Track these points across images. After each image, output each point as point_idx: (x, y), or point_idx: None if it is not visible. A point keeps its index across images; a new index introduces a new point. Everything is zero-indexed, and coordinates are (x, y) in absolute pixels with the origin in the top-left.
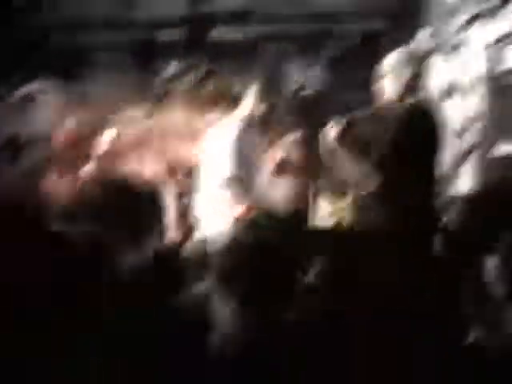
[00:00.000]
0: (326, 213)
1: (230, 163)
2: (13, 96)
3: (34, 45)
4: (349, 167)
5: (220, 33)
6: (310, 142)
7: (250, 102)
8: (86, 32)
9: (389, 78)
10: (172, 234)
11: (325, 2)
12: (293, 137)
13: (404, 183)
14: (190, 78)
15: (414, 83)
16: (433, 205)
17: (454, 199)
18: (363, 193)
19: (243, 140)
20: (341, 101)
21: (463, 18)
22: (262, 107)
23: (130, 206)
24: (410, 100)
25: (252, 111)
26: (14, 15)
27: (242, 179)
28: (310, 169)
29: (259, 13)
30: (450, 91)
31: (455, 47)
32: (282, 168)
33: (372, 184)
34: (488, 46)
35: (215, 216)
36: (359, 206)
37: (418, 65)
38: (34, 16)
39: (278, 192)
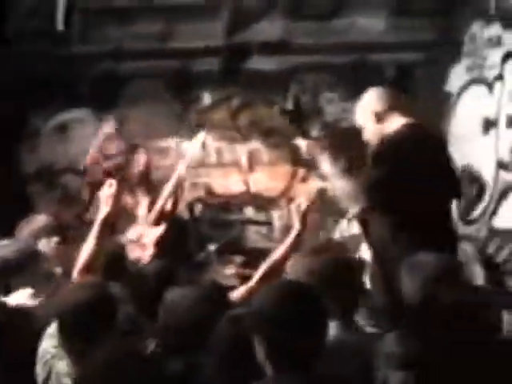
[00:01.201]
0: None
1: None
2: (48, 125)
3: (69, 74)
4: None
5: (255, 63)
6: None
7: None
8: (121, 62)
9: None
10: None
11: (361, 33)
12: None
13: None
14: (225, 109)
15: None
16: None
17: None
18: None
19: None
20: None
21: (501, 52)
22: None
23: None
24: None
25: None
26: (50, 45)
27: None
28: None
29: (295, 43)
30: (487, 126)
31: (492, 82)
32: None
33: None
34: None
35: None
36: None
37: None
38: (70, 46)
39: None
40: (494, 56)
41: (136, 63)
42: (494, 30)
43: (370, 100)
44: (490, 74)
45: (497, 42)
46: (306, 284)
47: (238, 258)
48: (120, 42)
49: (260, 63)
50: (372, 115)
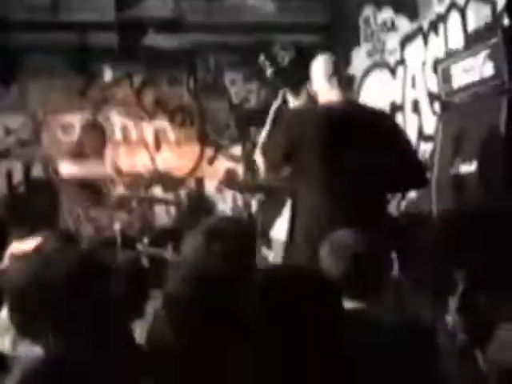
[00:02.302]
0: None
1: None
2: None
3: None
4: None
5: (153, 40)
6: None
7: None
8: (11, 33)
9: None
10: None
11: (260, 13)
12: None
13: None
14: (127, 85)
15: None
16: None
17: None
18: None
19: None
20: None
21: (400, 36)
22: None
23: None
24: None
25: None
26: None
27: None
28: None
29: (192, 21)
30: (392, 110)
31: (394, 66)
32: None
33: None
34: (428, 65)
35: None
36: None
37: None
38: None
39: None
40: (392, 41)
41: (28, 35)
42: (387, 14)
43: (324, 64)
44: (391, 59)
45: (391, 26)
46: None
47: (145, 238)
48: (7, 12)
49: (157, 40)
50: (324, 80)
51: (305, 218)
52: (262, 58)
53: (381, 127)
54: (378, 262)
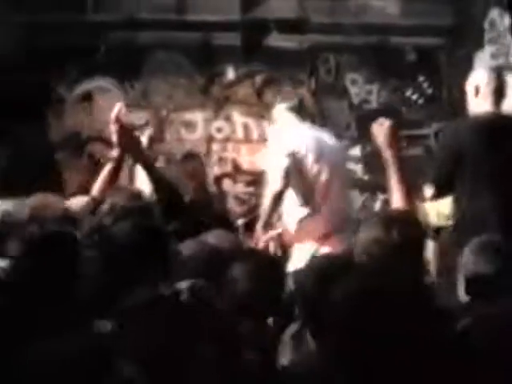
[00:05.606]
0: None
1: None
2: (73, 94)
3: (90, 44)
4: None
5: (275, 40)
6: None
7: None
8: (137, 31)
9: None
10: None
11: (376, 15)
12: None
13: None
14: (249, 85)
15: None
16: None
17: None
18: None
19: None
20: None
21: None
22: None
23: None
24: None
25: None
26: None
27: None
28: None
29: (312, 21)
30: None
31: None
32: None
33: None
34: None
35: None
36: None
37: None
38: (89, 15)
39: None
40: None
41: (153, 34)
42: None
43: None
44: None
45: None
46: None
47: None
48: (134, 11)
49: (280, 40)
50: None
51: None
52: None
53: None
54: None
